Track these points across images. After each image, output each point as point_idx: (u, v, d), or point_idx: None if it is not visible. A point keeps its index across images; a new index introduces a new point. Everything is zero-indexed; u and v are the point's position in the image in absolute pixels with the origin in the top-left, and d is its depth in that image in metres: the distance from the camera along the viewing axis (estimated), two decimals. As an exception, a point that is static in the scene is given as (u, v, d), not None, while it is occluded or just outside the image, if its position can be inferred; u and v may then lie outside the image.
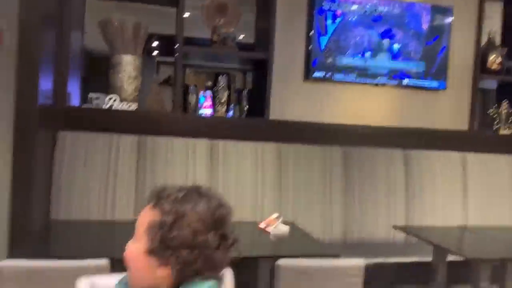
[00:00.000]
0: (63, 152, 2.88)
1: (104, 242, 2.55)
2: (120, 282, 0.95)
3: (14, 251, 2.41)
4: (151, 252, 0.85)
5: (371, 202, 3.28)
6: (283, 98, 3.33)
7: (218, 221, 0.87)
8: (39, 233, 2.59)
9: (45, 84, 2.70)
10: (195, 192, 0.89)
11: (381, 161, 3.34)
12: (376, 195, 3.29)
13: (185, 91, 3.34)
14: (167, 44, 4.07)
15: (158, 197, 0.88)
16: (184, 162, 3.02)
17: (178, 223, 0.84)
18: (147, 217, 0.88)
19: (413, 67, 3.49)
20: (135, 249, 0.86)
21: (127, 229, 2.83)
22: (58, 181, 2.85)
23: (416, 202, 3.33)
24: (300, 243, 2.55)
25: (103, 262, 1.59)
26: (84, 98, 3.43)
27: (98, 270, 1.55)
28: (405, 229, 3.12)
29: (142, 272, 0.85)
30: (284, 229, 2.55)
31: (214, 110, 3.20)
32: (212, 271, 0.87)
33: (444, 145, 3.45)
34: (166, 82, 4.80)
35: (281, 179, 3.14)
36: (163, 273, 0.85)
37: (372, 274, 2.16)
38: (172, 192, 0.88)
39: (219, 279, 0.90)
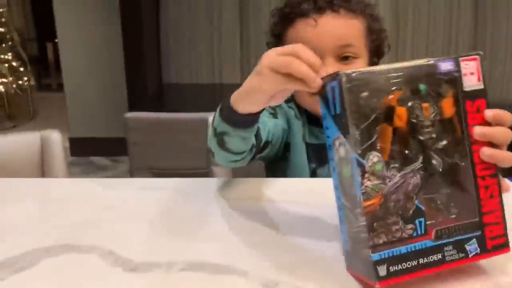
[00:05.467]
0: (167, 13, 2.82)
1: (215, 101, 2.56)
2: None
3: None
4: (372, 63, 0.83)
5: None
6: None
7: None
8: (153, 96, 2.67)
9: None
10: None
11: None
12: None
13: None
14: None
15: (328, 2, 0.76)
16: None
17: (381, 26, 0.82)
18: (348, 29, 0.78)
19: None
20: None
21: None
22: (166, 45, 2.84)
23: None
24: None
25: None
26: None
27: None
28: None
29: None
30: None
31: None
32: None
33: None
34: None
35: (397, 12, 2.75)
36: None
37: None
38: None
39: None
